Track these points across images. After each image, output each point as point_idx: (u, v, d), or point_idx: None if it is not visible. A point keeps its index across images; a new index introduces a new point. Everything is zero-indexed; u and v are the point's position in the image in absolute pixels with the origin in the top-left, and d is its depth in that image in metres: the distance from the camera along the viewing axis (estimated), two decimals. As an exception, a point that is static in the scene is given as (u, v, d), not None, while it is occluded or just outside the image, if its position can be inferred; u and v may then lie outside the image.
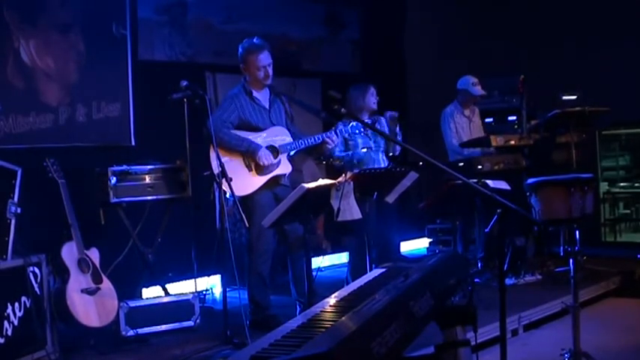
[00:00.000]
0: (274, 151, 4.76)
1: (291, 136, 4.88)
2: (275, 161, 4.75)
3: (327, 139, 4.85)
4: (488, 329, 4.22)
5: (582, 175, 5.31)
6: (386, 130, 5.53)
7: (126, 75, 5.85)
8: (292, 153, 4.89)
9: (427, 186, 5.28)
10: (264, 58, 4.77)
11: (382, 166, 5.57)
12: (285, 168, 4.81)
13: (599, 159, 7.58)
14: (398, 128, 5.58)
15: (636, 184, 7.60)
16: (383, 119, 5.61)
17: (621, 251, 6.98)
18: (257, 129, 4.78)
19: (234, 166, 4.61)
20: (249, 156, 4.70)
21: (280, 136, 4.85)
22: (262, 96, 4.90)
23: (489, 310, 3.63)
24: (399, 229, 6.07)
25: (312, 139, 4.86)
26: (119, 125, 5.80)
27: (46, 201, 4.59)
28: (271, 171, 4.75)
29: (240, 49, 4.82)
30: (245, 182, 4.64)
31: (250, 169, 4.71)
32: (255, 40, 4.82)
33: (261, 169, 4.73)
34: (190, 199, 5.17)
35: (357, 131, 5.03)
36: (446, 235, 7.62)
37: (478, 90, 6.39)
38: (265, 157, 4.68)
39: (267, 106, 4.89)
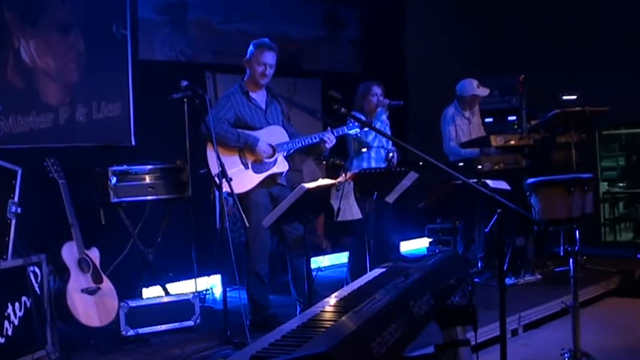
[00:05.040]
0: (271, 149, 4.76)
1: (289, 136, 4.89)
2: (272, 160, 4.76)
3: (325, 139, 4.85)
4: (488, 329, 4.22)
5: (582, 175, 5.33)
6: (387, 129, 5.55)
7: (126, 75, 5.85)
8: (290, 152, 4.88)
9: (427, 186, 5.28)
10: (269, 57, 4.80)
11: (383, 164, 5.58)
12: (281, 167, 4.81)
13: (599, 159, 7.59)
14: (386, 116, 5.57)
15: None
16: (380, 116, 5.61)
17: (621, 251, 6.98)
18: (253, 128, 4.79)
19: (231, 163, 4.60)
20: (248, 150, 4.70)
21: (277, 135, 4.85)
22: (259, 96, 4.91)
23: (489, 310, 3.63)
24: (395, 228, 6.07)
25: (310, 139, 4.86)
26: (119, 125, 5.80)
27: (46, 201, 4.59)
28: (268, 169, 4.76)
29: (251, 45, 4.87)
30: (241, 180, 4.64)
31: (247, 167, 4.72)
32: (267, 40, 4.89)
33: (258, 167, 4.73)
34: (190, 199, 5.17)
35: (357, 131, 5.04)
36: (446, 235, 7.62)
37: (483, 90, 6.39)
38: (264, 150, 4.69)
39: (263, 107, 4.90)
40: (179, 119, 4.88)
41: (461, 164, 6.05)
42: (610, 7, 7.42)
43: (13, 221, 4.10)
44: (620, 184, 7.67)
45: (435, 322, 2.67)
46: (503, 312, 3.02)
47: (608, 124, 7.41)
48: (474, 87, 6.37)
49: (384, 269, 2.92)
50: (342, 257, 7.04)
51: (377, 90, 5.60)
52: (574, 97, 6.99)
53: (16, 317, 4.04)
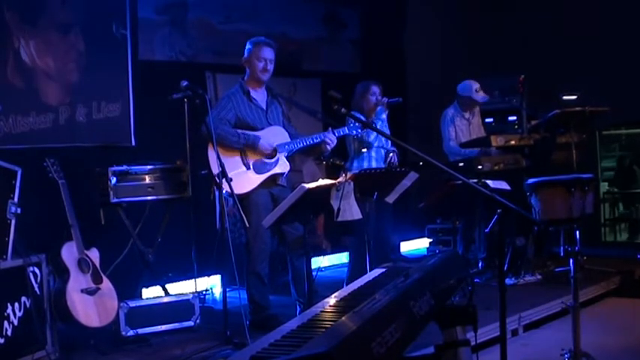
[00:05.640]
0: (272, 150, 4.76)
1: (289, 137, 4.89)
2: (273, 160, 4.75)
3: (327, 139, 4.85)
4: (488, 329, 4.22)
5: (582, 175, 5.33)
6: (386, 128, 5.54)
7: (126, 75, 5.85)
8: (291, 153, 4.88)
9: (427, 186, 5.28)
10: (268, 52, 4.82)
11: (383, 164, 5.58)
12: (282, 167, 4.81)
13: (599, 159, 7.59)
14: (386, 115, 5.56)
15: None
16: (380, 115, 5.61)
17: (621, 251, 6.98)
18: (254, 128, 4.79)
19: (232, 164, 4.61)
20: (250, 149, 4.70)
21: (278, 135, 4.85)
22: (260, 96, 4.91)
23: (489, 310, 3.63)
24: (395, 228, 6.06)
25: (311, 139, 4.86)
26: (119, 125, 5.80)
27: (46, 201, 4.59)
28: (269, 170, 4.76)
29: (248, 44, 4.88)
30: (242, 181, 4.64)
31: (248, 168, 4.72)
32: (261, 37, 4.92)
33: (259, 168, 4.73)
34: (190, 199, 5.17)
35: (356, 131, 5.04)
36: (446, 235, 7.63)
37: (482, 96, 6.37)
38: (266, 147, 4.70)
39: (264, 107, 4.90)
40: (179, 119, 4.88)
41: (461, 164, 6.05)
42: (610, 7, 7.41)
43: (13, 221, 4.10)
44: (615, 185, 7.66)
45: (435, 322, 2.67)
46: (503, 312, 3.02)
47: (608, 124, 7.41)
48: (472, 90, 6.36)
49: (384, 269, 2.93)
50: (342, 257, 7.04)
51: (375, 89, 5.59)
52: (574, 97, 6.99)
53: (15, 317, 4.04)
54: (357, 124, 4.94)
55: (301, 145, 4.85)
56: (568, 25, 7.59)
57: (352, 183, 4.04)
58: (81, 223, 4.46)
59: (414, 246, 8.33)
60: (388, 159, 5.53)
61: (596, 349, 4.06)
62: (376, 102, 5.56)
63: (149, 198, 5.07)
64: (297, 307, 4.87)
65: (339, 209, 3.97)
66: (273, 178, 4.80)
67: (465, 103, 6.44)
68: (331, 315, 2.18)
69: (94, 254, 4.51)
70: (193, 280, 5.15)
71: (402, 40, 8.62)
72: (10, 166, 4.15)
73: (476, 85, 6.37)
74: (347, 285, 3.12)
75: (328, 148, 4.90)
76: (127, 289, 4.93)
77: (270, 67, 4.83)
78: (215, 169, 4.44)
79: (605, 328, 4.99)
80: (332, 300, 2.40)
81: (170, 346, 4.50)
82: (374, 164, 5.55)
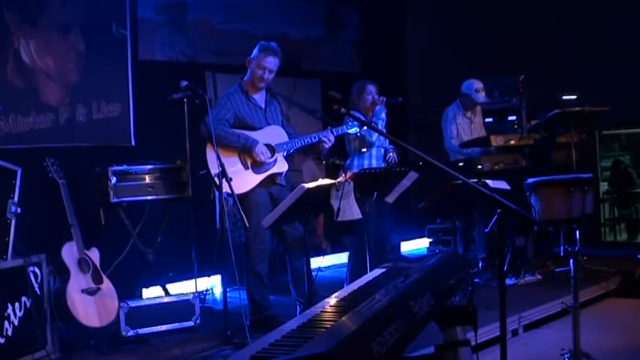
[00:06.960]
0: (271, 149, 4.77)
1: (288, 136, 4.89)
2: (271, 160, 4.76)
3: (324, 139, 4.85)
4: (488, 329, 4.22)
5: (582, 175, 5.33)
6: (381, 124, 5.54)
7: (126, 75, 5.85)
8: (289, 152, 4.88)
9: (427, 186, 5.28)
10: (270, 62, 4.80)
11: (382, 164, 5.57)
12: (281, 167, 4.81)
13: (599, 159, 7.59)
14: (384, 114, 5.55)
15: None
16: (380, 114, 5.61)
17: (621, 251, 6.98)
18: (253, 128, 4.79)
19: (231, 163, 4.61)
20: (246, 152, 4.70)
21: (277, 135, 4.85)
22: (259, 96, 4.91)
23: (489, 310, 3.63)
24: (395, 228, 6.06)
25: (309, 139, 4.86)
26: (119, 125, 5.80)
27: (46, 201, 4.59)
28: (267, 169, 4.76)
29: (258, 46, 4.87)
30: (241, 180, 4.64)
31: (247, 167, 4.72)
32: (273, 44, 4.88)
33: (257, 167, 4.73)
34: (190, 199, 5.17)
35: (355, 130, 5.04)
36: (446, 235, 7.63)
37: (481, 97, 6.37)
38: (262, 154, 4.69)
39: (262, 106, 4.90)
40: (179, 119, 4.88)
41: (461, 164, 6.05)
42: (610, 8, 7.42)
43: (13, 221, 4.10)
44: (608, 188, 7.66)
45: (435, 322, 2.68)
46: (503, 312, 3.02)
47: (608, 124, 7.41)
48: (472, 89, 6.36)
49: (384, 269, 2.93)
50: (342, 257, 7.03)
51: (371, 88, 5.58)
52: (574, 97, 6.99)
53: (16, 317, 4.05)
54: (355, 122, 4.94)
55: (300, 144, 4.85)
56: (568, 25, 7.59)
57: (352, 182, 4.04)
58: (81, 223, 4.47)
59: (414, 246, 8.33)
60: (387, 158, 5.52)
61: (596, 349, 4.06)
62: (373, 101, 5.55)
63: (149, 198, 5.07)
64: (297, 307, 4.87)
65: (338, 209, 3.97)
66: (272, 178, 4.80)
67: (466, 101, 6.45)
68: (331, 315, 2.18)
69: (94, 254, 4.51)
70: (193, 280, 5.15)
71: (402, 40, 8.62)
72: (10, 166, 4.16)
73: (478, 85, 6.37)
74: (347, 285, 3.12)
75: (326, 147, 4.90)
76: (127, 289, 4.93)
77: (269, 76, 4.82)
78: (214, 169, 4.44)
79: (605, 328, 4.99)
80: (332, 300, 2.40)
81: (170, 346, 4.50)
82: (374, 163, 5.55)
